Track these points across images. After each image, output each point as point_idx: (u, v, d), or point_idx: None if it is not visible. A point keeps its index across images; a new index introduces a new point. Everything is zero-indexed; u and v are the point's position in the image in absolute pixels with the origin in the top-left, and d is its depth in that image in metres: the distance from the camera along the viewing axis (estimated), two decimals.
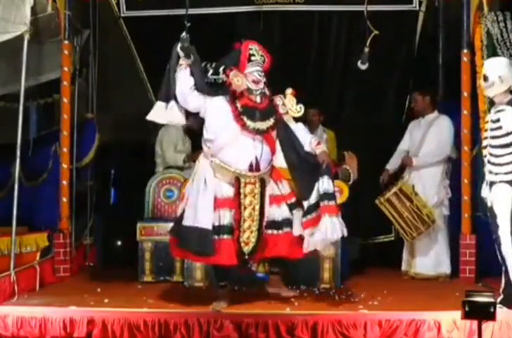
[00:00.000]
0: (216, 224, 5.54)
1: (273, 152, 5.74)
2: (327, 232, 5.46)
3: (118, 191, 9.37)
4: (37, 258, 6.83)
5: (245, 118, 5.57)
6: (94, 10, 7.96)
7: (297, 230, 5.69)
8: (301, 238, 5.66)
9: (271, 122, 5.66)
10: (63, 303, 5.69)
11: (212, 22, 7.84)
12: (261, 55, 5.71)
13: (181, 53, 5.72)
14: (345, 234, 5.55)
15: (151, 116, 5.89)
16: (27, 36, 6.27)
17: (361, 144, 7.55)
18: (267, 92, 5.71)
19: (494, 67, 5.50)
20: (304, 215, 5.62)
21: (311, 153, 5.68)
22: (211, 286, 6.15)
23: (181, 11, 7.06)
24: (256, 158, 5.62)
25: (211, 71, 5.72)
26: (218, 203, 5.58)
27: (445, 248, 7.14)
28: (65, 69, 7.24)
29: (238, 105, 5.60)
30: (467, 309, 4.53)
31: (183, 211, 5.68)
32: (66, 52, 7.23)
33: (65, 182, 7.22)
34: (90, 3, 7.91)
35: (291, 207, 5.76)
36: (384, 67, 7.83)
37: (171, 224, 6.99)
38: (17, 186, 6.22)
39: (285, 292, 5.95)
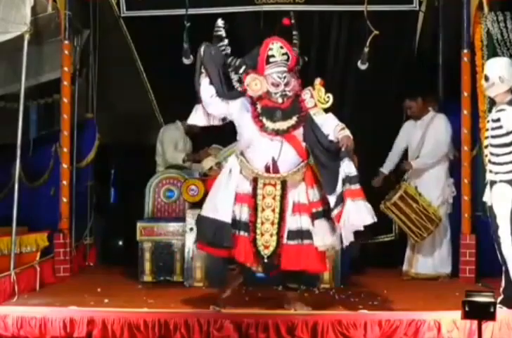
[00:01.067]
0: (236, 218, 5.43)
1: (300, 153, 5.49)
2: (350, 218, 5.15)
3: (118, 191, 9.38)
4: (37, 258, 6.82)
5: (264, 119, 5.39)
6: (94, 10, 7.98)
7: (318, 241, 5.40)
8: (323, 251, 5.46)
9: (293, 121, 5.42)
10: (63, 303, 5.69)
11: (212, 23, 7.83)
12: (284, 54, 5.41)
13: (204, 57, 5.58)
14: (375, 219, 5.24)
15: (191, 120, 5.85)
16: (27, 36, 6.26)
17: (360, 144, 7.54)
18: (290, 93, 5.43)
19: (494, 68, 5.50)
20: (333, 208, 5.30)
21: (334, 141, 5.41)
22: (212, 286, 6.08)
23: (181, 11, 7.09)
24: (273, 159, 5.42)
25: (231, 68, 5.50)
26: (238, 198, 5.45)
27: (448, 247, 7.14)
28: (65, 69, 7.24)
29: (258, 106, 5.43)
30: (467, 309, 4.53)
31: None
32: (66, 52, 7.23)
33: (65, 182, 7.22)
34: (90, 3, 7.93)
35: (316, 215, 5.45)
36: (384, 67, 7.83)
37: (171, 224, 7.05)
38: (18, 187, 6.22)
39: (301, 308, 5.60)
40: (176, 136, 7.88)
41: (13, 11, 6.28)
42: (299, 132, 5.46)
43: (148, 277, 6.98)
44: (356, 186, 5.24)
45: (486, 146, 5.61)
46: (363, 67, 6.97)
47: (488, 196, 5.54)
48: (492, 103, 5.89)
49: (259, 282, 6.47)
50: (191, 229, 6.73)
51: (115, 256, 8.32)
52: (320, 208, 5.46)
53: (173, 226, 7.02)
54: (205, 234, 5.50)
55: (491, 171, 5.49)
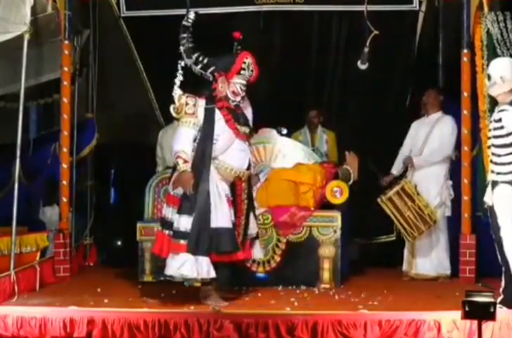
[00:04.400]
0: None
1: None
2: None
3: (118, 191, 9.37)
4: (37, 258, 6.82)
5: (236, 123, 5.82)
6: (94, 10, 7.98)
7: (254, 229, 5.99)
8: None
9: (249, 127, 5.96)
10: (63, 303, 5.69)
11: (212, 23, 7.84)
12: (251, 71, 5.85)
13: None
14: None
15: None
16: (27, 36, 6.26)
17: (361, 144, 7.56)
18: (241, 105, 5.92)
19: (497, 67, 5.51)
20: None
21: None
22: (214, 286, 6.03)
23: (181, 11, 7.08)
24: (249, 158, 5.94)
25: (200, 65, 5.86)
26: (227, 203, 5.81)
27: (445, 249, 7.14)
28: (65, 69, 7.24)
29: (226, 110, 5.81)
30: (467, 309, 4.53)
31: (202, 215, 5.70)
32: (66, 52, 7.23)
33: (65, 182, 7.21)
34: (90, 3, 7.93)
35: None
36: (384, 67, 7.84)
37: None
38: (17, 186, 6.22)
39: (218, 302, 5.74)
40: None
41: (13, 11, 6.28)
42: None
43: (148, 277, 6.98)
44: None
45: (489, 147, 5.60)
46: (363, 67, 6.97)
47: (489, 196, 5.53)
48: (494, 103, 5.89)
49: (259, 282, 6.48)
50: None
51: (115, 256, 8.31)
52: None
53: None
54: (221, 243, 5.66)
55: (492, 171, 5.48)
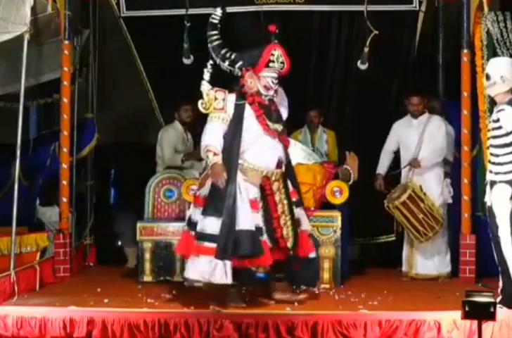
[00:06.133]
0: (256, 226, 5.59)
1: (285, 150, 5.85)
2: None
3: (118, 191, 9.37)
4: (37, 258, 6.82)
5: (266, 119, 5.62)
6: (94, 10, 7.98)
7: (306, 225, 5.85)
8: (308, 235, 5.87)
9: (282, 125, 5.75)
10: (63, 303, 5.69)
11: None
12: (281, 62, 5.64)
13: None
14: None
15: None
16: (27, 36, 6.25)
17: (361, 144, 7.56)
18: (275, 100, 5.73)
19: (496, 67, 5.48)
20: None
21: None
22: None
23: (181, 11, 7.10)
24: (279, 156, 5.73)
25: (227, 62, 5.68)
26: (251, 206, 5.60)
27: (445, 249, 7.14)
28: (65, 69, 7.24)
29: (257, 105, 5.61)
30: (467, 309, 4.53)
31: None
32: (66, 52, 7.22)
33: (65, 182, 7.21)
34: (90, 3, 7.94)
35: (295, 204, 5.82)
36: (384, 67, 7.83)
37: (171, 224, 7.04)
38: (17, 187, 6.21)
39: (294, 297, 5.84)
40: (174, 139, 7.82)
41: (13, 11, 6.28)
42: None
43: (148, 277, 6.98)
44: None
45: (488, 147, 5.59)
46: (363, 67, 6.97)
47: (489, 197, 5.53)
48: (493, 103, 5.88)
49: (259, 281, 6.47)
50: None
51: (115, 256, 8.31)
52: (298, 197, 5.88)
53: (173, 226, 7.02)
54: (242, 247, 5.46)
55: (491, 171, 5.48)
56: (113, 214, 8.61)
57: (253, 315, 5.26)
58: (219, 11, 5.77)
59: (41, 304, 5.69)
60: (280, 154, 5.71)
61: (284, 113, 5.87)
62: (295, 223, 5.73)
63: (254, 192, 5.63)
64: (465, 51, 6.97)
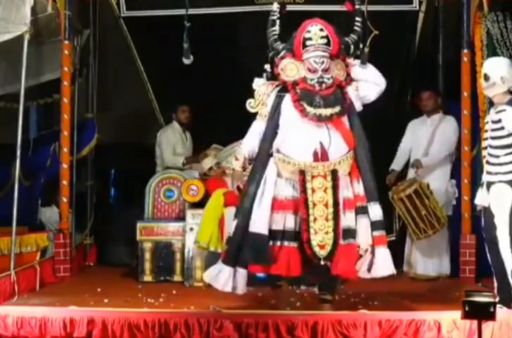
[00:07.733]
0: (277, 228, 5.03)
1: (347, 140, 5.09)
2: (379, 268, 5.03)
3: (118, 191, 9.38)
4: (37, 258, 6.82)
5: (304, 104, 4.97)
6: (94, 10, 7.99)
7: (363, 240, 5.04)
8: (360, 253, 5.07)
9: (336, 109, 5.00)
10: (63, 303, 5.69)
11: (212, 23, 7.84)
12: (323, 37, 5.02)
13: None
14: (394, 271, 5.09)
15: None
16: (27, 36, 6.26)
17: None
18: (329, 81, 5.02)
19: (496, 68, 5.42)
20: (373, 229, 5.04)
21: None
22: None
23: (181, 11, 7.08)
24: (322, 146, 4.98)
25: (275, 53, 5.22)
26: (279, 205, 5.03)
27: (445, 249, 7.14)
28: (65, 69, 7.24)
29: (297, 90, 5.03)
30: (467, 309, 4.52)
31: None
32: (66, 52, 7.23)
33: (65, 182, 7.21)
34: (90, 3, 7.94)
35: (359, 210, 5.08)
36: (384, 67, 7.82)
37: (171, 224, 7.05)
38: (17, 187, 6.21)
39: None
40: (173, 140, 7.82)
41: (13, 11, 6.28)
42: (345, 119, 5.10)
43: (148, 277, 6.98)
44: (383, 232, 5.08)
45: (485, 148, 5.55)
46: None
47: (481, 198, 5.49)
48: (491, 103, 5.85)
49: (259, 281, 6.46)
50: (191, 229, 6.75)
51: (115, 256, 8.32)
52: (364, 203, 5.08)
53: (173, 226, 7.03)
54: (246, 251, 5.10)
55: (489, 172, 5.42)
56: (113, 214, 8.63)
57: (253, 315, 5.25)
58: (275, 6, 5.23)
59: (41, 304, 5.68)
60: (319, 143, 4.97)
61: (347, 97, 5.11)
62: (346, 233, 5.02)
63: (289, 190, 5.05)
64: (465, 51, 6.97)
